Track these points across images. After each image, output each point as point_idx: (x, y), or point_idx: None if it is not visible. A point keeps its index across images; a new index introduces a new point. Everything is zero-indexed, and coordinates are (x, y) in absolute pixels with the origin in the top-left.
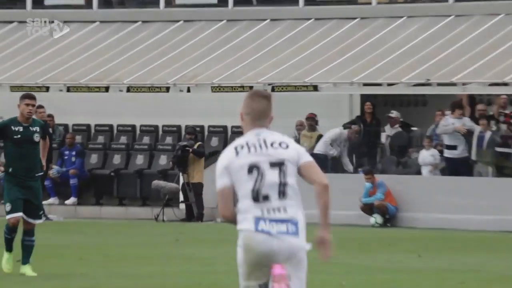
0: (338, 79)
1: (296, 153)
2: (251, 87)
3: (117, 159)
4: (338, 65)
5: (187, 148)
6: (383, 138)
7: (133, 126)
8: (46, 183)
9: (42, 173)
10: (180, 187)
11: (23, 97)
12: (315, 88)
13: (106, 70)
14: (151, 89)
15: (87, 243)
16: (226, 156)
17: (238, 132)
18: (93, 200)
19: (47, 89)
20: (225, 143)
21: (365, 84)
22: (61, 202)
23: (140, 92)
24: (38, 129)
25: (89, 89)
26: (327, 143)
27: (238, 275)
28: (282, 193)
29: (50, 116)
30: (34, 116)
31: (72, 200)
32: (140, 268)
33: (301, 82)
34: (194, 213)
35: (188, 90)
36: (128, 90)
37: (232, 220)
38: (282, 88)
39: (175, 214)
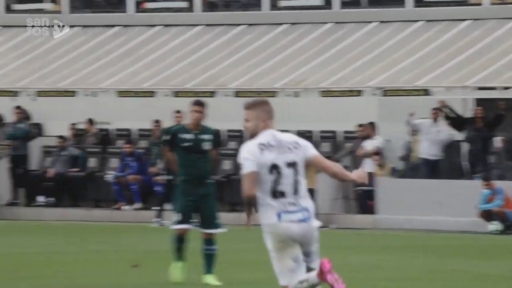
0: (450, 82)
1: (304, 149)
2: (359, 91)
3: (227, 164)
4: (450, 68)
5: None
6: (498, 143)
7: (241, 131)
8: (157, 188)
9: (213, 181)
10: None
11: (191, 104)
12: (426, 92)
13: (211, 74)
14: (258, 94)
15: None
16: (252, 150)
17: (349, 137)
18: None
19: (153, 94)
20: (335, 148)
21: (479, 88)
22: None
23: (247, 97)
24: (208, 137)
25: (195, 94)
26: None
27: (271, 258)
28: (295, 190)
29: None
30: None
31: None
32: (253, 274)
33: (411, 86)
34: None
35: (296, 95)
36: (236, 95)
37: (253, 201)
38: (392, 92)
39: None
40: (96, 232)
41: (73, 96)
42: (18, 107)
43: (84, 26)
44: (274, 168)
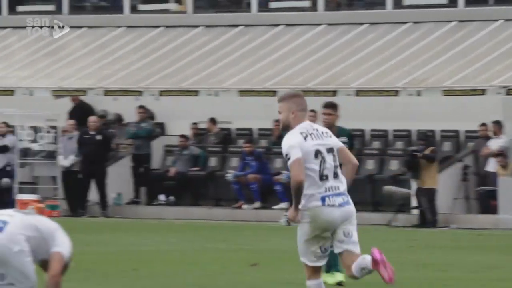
0: None
1: (334, 139)
2: (483, 90)
3: (370, 164)
4: None
5: (415, 153)
6: None
7: (362, 131)
8: (277, 187)
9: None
10: (414, 192)
11: (321, 106)
12: None
13: (333, 74)
14: (379, 92)
15: None
16: (297, 138)
17: (472, 136)
18: None
19: (274, 93)
20: (457, 148)
21: None
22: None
23: (369, 96)
24: (344, 138)
25: (317, 93)
26: None
27: (299, 239)
28: (335, 174)
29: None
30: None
31: None
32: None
33: None
34: (427, 219)
35: (418, 94)
36: (357, 94)
37: (302, 188)
38: None
39: (407, 220)
40: (216, 230)
41: (196, 95)
42: (141, 107)
43: (207, 26)
44: (318, 153)
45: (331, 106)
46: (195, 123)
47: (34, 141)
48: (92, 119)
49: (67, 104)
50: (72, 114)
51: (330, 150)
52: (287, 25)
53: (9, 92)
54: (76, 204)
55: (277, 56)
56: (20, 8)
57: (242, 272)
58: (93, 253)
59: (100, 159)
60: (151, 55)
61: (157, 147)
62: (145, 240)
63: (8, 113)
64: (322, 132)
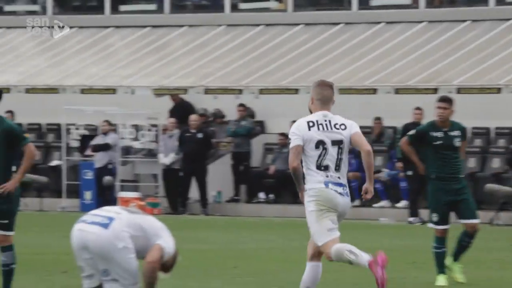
0: None
1: (349, 128)
2: None
3: (472, 162)
4: None
5: None
6: None
7: (487, 129)
8: (377, 186)
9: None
10: None
11: (436, 101)
12: None
13: (434, 71)
14: (481, 90)
15: (419, 246)
16: (301, 126)
17: None
18: (425, 203)
19: (375, 91)
20: None
21: None
22: (392, 205)
23: (470, 93)
24: (458, 133)
25: (417, 91)
26: None
27: (309, 222)
28: (338, 166)
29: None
30: (455, 120)
31: (403, 203)
32: (475, 273)
33: None
34: None
35: None
36: (458, 91)
37: (297, 173)
38: None
39: (510, 218)
40: None
41: (295, 93)
42: (241, 105)
43: (307, 24)
44: (320, 143)
45: (446, 100)
46: (294, 121)
47: (136, 139)
48: (193, 117)
49: (167, 102)
50: (173, 113)
51: (337, 143)
52: (388, 22)
53: (111, 90)
54: (176, 201)
55: (377, 54)
56: (122, 8)
57: (341, 270)
58: (193, 250)
59: (201, 157)
60: (251, 54)
61: (257, 145)
62: (245, 238)
63: (110, 111)
64: (335, 125)
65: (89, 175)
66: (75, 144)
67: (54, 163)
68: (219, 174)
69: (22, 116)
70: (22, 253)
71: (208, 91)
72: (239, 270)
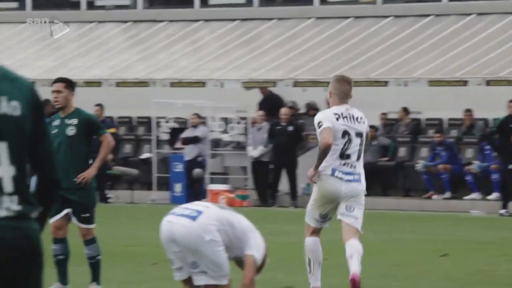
0: None
1: (367, 124)
2: None
3: None
4: None
5: None
6: None
7: None
8: (468, 178)
9: None
10: None
11: None
12: None
13: None
14: None
15: (511, 238)
16: (330, 115)
17: None
18: None
19: (465, 83)
20: None
21: None
22: (483, 197)
23: None
24: None
25: (509, 82)
26: None
27: (309, 202)
28: (358, 156)
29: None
30: None
31: (495, 195)
32: None
33: None
34: None
35: None
36: None
37: (328, 150)
38: None
39: None
40: (405, 221)
41: (385, 86)
42: None
43: (397, 16)
44: (346, 134)
45: None
46: (384, 113)
47: (225, 132)
48: (284, 111)
49: (257, 95)
50: (262, 105)
51: (359, 135)
52: (479, 14)
53: (201, 84)
54: (265, 194)
55: (468, 45)
56: (212, 1)
57: (431, 262)
58: (282, 243)
59: (291, 150)
60: (341, 46)
61: None
62: (334, 230)
63: (200, 104)
64: (357, 118)
65: (179, 167)
66: (165, 137)
67: (145, 156)
68: (309, 167)
69: (113, 109)
70: (113, 244)
71: (297, 83)
72: (328, 262)
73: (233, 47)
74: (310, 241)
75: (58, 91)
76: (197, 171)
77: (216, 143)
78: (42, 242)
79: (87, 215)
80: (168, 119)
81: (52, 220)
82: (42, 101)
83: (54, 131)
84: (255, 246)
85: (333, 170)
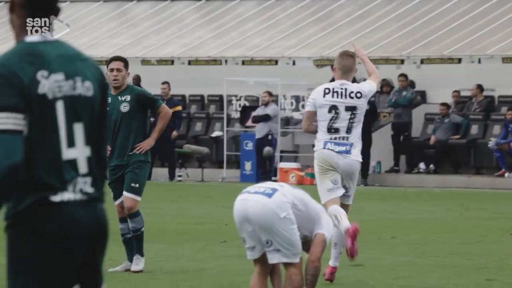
0: None
1: (364, 101)
2: None
3: None
4: None
5: None
6: None
7: None
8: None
9: None
10: None
11: None
12: None
13: None
14: None
15: None
16: (317, 92)
17: None
18: None
19: None
20: None
21: None
22: None
23: None
24: None
25: None
26: None
27: (317, 183)
28: (348, 130)
29: None
30: None
31: None
32: None
33: None
34: None
35: None
36: None
37: (310, 131)
38: None
39: None
40: (477, 199)
41: (458, 63)
42: (402, 75)
43: None
44: (333, 108)
45: None
46: (456, 91)
47: (296, 110)
48: None
49: (328, 73)
50: None
51: (350, 108)
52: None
53: (273, 62)
54: None
55: None
56: None
57: (501, 240)
58: (351, 220)
59: (365, 128)
60: (413, 23)
61: (417, 115)
62: (404, 209)
63: (271, 82)
64: (351, 92)
65: (249, 146)
66: (236, 115)
67: (215, 134)
68: (379, 145)
69: (185, 87)
70: (183, 222)
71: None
72: (397, 240)
73: (306, 24)
74: (332, 207)
75: (119, 69)
76: (267, 149)
77: (287, 121)
78: (108, 222)
79: (137, 185)
80: (239, 97)
81: (117, 202)
82: (106, 81)
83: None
84: (326, 226)
85: (325, 143)
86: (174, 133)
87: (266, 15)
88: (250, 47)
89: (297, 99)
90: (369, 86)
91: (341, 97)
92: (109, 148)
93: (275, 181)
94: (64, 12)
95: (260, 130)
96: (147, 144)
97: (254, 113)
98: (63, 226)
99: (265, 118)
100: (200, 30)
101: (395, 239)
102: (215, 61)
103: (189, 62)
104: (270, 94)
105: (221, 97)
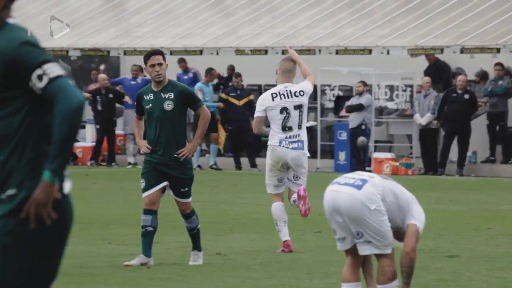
0: None
1: (306, 97)
2: None
3: None
4: None
5: None
6: None
7: None
8: None
9: None
10: None
11: None
12: None
13: None
14: None
15: None
16: (266, 98)
17: None
18: None
19: None
20: None
21: None
22: None
23: None
24: None
25: None
26: None
27: (266, 172)
28: (299, 126)
29: None
30: None
31: None
32: None
33: None
34: None
35: None
36: None
37: (261, 134)
38: None
39: None
40: None
41: None
42: (498, 64)
43: None
44: (284, 110)
45: None
46: None
47: (390, 99)
48: (461, 78)
49: (422, 62)
50: (427, 73)
51: (298, 107)
52: None
53: (366, 51)
54: (433, 162)
55: None
56: None
57: None
58: (447, 211)
59: (465, 118)
60: (509, 12)
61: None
62: (500, 199)
63: (365, 72)
64: (295, 92)
65: (343, 136)
66: (329, 105)
67: (309, 124)
68: (475, 135)
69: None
70: None
71: (464, 50)
72: (493, 231)
73: (399, 14)
74: (275, 206)
75: (160, 64)
76: (361, 139)
77: (381, 111)
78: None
79: (186, 189)
80: (333, 87)
81: (148, 193)
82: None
83: (148, 106)
84: (418, 216)
85: (280, 141)
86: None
87: (359, 5)
88: (343, 36)
89: (391, 88)
90: (308, 86)
91: (288, 98)
92: (148, 146)
93: (369, 171)
94: (161, 1)
95: (353, 120)
96: (190, 150)
97: (348, 103)
98: None
99: (359, 107)
100: (294, 20)
101: (491, 230)
102: (308, 51)
103: (283, 52)
104: (364, 83)
105: (315, 86)
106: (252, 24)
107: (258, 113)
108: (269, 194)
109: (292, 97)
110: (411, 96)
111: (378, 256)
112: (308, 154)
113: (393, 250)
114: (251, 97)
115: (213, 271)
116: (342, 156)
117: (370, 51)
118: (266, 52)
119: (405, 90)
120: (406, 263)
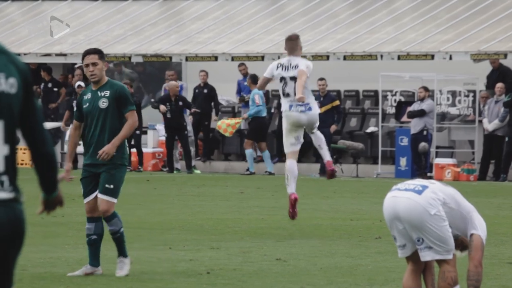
0: None
1: (299, 67)
2: None
3: None
4: None
5: None
6: None
7: None
8: None
9: None
10: None
11: None
12: None
13: None
14: None
15: None
16: (273, 66)
17: None
18: None
19: None
20: None
21: None
22: None
23: None
24: None
25: None
26: None
27: (283, 135)
28: (295, 93)
29: None
30: None
31: None
32: None
33: None
34: None
35: None
36: None
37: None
38: None
39: None
40: None
41: None
42: None
43: None
44: (282, 79)
45: None
46: None
47: (452, 105)
48: None
49: (486, 67)
50: (490, 78)
51: (293, 78)
52: None
53: (429, 56)
54: (498, 168)
55: None
56: None
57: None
58: (508, 217)
59: None
60: None
61: None
62: None
63: (427, 77)
64: (293, 66)
65: (404, 141)
66: (391, 110)
67: (370, 129)
68: None
69: (340, 82)
70: (338, 218)
71: None
72: None
73: (463, 18)
74: (290, 162)
75: (94, 64)
76: (422, 144)
77: (443, 116)
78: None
79: (111, 186)
80: (394, 92)
81: (87, 200)
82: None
83: (86, 105)
84: (480, 226)
85: (290, 106)
86: (333, 127)
87: (422, 10)
88: (405, 42)
89: (454, 94)
90: (303, 66)
91: (287, 70)
92: (69, 176)
93: (430, 177)
94: (222, 7)
95: (415, 125)
96: (107, 151)
97: (409, 108)
98: None
99: (421, 113)
100: (355, 26)
101: None
102: (370, 56)
103: (344, 58)
104: (426, 89)
105: (376, 92)
106: (312, 30)
107: (265, 73)
108: (286, 154)
109: (290, 69)
110: (474, 101)
111: (440, 261)
112: (319, 111)
113: (454, 255)
114: (336, 102)
115: (273, 277)
116: (403, 162)
117: (432, 56)
118: (328, 57)
119: (467, 96)
120: (473, 276)
